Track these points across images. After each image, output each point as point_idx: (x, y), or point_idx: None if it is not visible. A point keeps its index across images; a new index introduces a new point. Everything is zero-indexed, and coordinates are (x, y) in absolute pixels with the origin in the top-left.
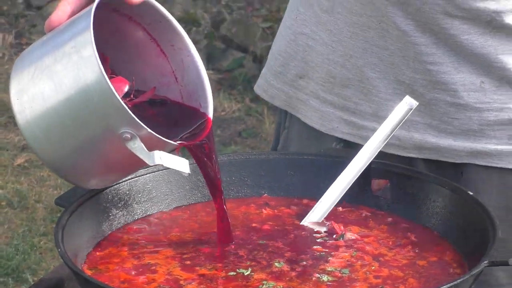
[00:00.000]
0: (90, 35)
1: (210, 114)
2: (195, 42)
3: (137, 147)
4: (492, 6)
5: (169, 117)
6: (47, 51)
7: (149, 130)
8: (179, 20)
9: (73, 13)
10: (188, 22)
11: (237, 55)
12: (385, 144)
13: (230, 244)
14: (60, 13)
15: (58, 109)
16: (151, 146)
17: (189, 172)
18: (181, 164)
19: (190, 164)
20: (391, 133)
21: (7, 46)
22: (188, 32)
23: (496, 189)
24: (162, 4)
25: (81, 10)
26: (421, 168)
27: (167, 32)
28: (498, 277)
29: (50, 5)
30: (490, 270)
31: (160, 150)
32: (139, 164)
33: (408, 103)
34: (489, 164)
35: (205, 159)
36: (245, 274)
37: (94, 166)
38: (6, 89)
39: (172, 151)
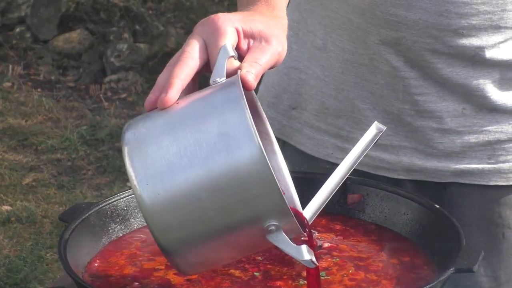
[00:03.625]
0: (255, 137)
1: (299, 207)
2: None
3: (281, 240)
4: (475, 42)
5: None
6: (183, 136)
7: (296, 222)
8: (172, 51)
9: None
10: None
11: None
12: (377, 168)
13: None
14: (176, 92)
15: (202, 198)
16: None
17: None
18: (313, 256)
19: None
20: (363, 153)
21: (16, 76)
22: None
23: (478, 203)
24: (158, 38)
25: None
26: (408, 188)
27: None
28: (481, 282)
29: (56, 39)
30: (473, 276)
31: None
32: (260, 249)
33: (377, 127)
34: (472, 182)
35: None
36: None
37: (219, 255)
38: (16, 116)
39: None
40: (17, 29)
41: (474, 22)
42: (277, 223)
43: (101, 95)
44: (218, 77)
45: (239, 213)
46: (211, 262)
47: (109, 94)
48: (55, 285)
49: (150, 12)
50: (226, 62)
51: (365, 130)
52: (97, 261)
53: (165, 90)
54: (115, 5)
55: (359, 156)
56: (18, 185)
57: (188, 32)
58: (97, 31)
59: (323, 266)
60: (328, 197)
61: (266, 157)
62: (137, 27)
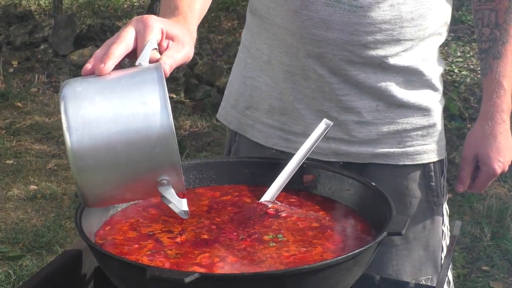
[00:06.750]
0: (168, 110)
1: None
2: (177, 79)
3: (170, 193)
4: (381, 53)
5: None
6: (112, 98)
7: (183, 181)
8: None
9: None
10: None
11: (207, 88)
12: (311, 153)
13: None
14: (112, 64)
15: (117, 148)
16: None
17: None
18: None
19: None
20: (316, 142)
21: (41, 83)
22: (171, 72)
23: (390, 179)
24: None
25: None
26: (337, 168)
27: None
28: (394, 239)
29: (72, 54)
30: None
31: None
32: (149, 197)
33: (326, 123)
34: (385, 162)
35: None
36: (208, 241)
37: (118, 195)
38: (41, 115)
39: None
40: (42, 46)
41: (378, 37)
42: (168, 178)
43: None
44: (143, 62)
45: (143, 164)
46: (111, 199)
47: None
48: (73, 248)
49: None
50: (150, 52)
51: (302, 124)
52: (106, 228)
53: (104, 62)
54: (118, 27)
55: (313, 144)
56: (43, 169)
57: None
58: None
59: (280, 231)
60: (289, 176)
61: (174, 128)
62: None
